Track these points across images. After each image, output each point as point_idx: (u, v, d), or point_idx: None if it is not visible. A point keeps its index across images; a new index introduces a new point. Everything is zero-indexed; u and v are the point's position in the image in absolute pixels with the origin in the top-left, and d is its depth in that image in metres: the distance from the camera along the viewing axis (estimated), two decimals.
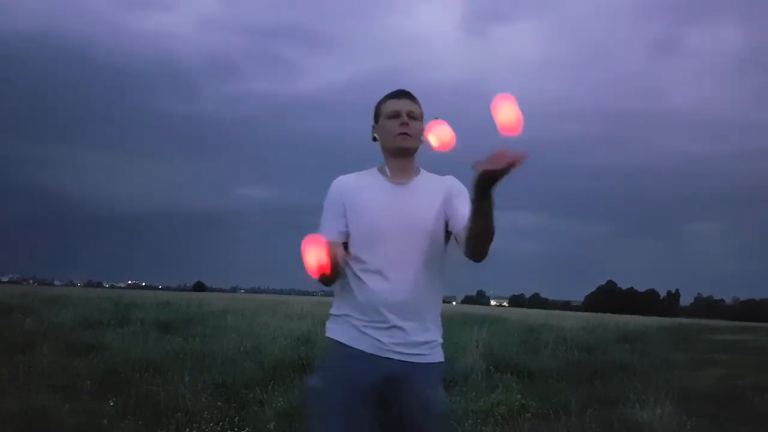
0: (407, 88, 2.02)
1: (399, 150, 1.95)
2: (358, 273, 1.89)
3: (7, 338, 7.32)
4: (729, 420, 5.11)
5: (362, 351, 1.86)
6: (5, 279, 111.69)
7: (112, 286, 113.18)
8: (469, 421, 4.56)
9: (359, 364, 1.85)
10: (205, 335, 9.10)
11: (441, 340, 1.96)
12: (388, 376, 1.84)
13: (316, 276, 1.74)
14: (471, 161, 1.58)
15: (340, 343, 1.90)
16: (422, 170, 2.03)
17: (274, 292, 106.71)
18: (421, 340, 1.88)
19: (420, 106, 2.00)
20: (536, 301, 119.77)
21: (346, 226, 1.92)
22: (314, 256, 1.70)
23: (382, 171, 1.99)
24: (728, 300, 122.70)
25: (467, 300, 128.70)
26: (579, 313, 45.96)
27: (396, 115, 1.95)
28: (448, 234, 1.95)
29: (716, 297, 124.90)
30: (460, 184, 2.00)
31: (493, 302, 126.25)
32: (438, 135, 1.84)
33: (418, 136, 1.96)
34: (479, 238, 1.77)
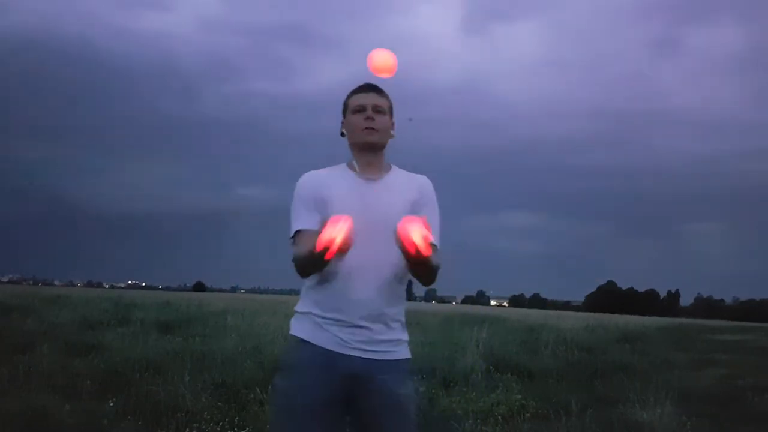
0: (375, 82, 1.97)
1: (364, 145, 1.92)
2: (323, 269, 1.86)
3: (7, 338, 7.31)
4: (729, 420, 5.11)
5: (324, 348, 1.83)
6: (5, 279, 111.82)
7: (112, 287, 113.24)
8: (469, 421, 4.56)
9: (321, 362, 1.83)
10: (205, 335, 9.10)
11: (406, 338, 1.94)
12: (351, 374, 1.82)
13: (320, 248, 1.64)
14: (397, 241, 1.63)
15: (303, 340, 1.88)
16: (394, 167, 1.99)
17: (274, 292, 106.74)
18: (384, 338, 1.86)
19: (388, 100, 1.97)
20: (536, 301, 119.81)
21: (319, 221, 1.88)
22: (331, 231, 1.63)
23: (351, 166, 1.95)
24: (728, 300, 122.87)
25: (467, 300, 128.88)
26: (579, 313, 46.02)
27: (361, 110, 1.91)
28: None
29: (716, 297, 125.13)
30: (431, 189, 1.97)
31: (493, 302, 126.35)
32: (379, 60, 1.78)
33: (385, 131, 1.93)
34: (420, 276, 1.83)
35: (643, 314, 55.61)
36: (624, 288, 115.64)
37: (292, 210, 1.93)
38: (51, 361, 5.77)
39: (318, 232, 1.79)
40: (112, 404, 4.39)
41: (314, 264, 1.79)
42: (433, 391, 5.55)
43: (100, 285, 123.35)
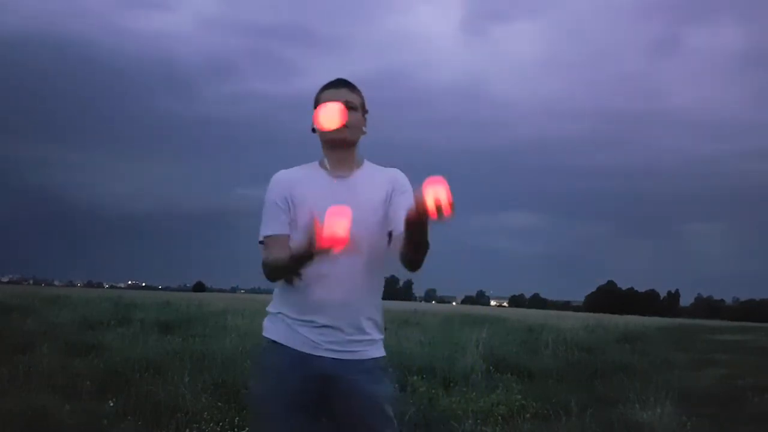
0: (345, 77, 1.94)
1: (335, 141, 1.88)
2: None
3: (7, 338, 7.31)
4: (729, 420, 5.11)
5: (296, 350, 1.82)
6: (5, 279, 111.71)
7: (112, 287, 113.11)
8: (469, 421, 4.56)
9: (294, 365, 1.81)
10: (205, 335, 9.11)
11: (380, 337, 1.91)
12: (323, 376, 1.80)
13: (327, 245, 1.56)
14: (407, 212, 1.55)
15: (275, 341, 1.86)
16: (366, 162, 1.96)
17: None
18: (356, 338, 1.83)
19: (360, 96, 1.92)
20: (536, 302, 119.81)
21: (289, 224, 1.86)
22: (337, 224, 1.55)
23: (322, 164, 1.93)
24: (728, 300, 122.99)
25: (467, 300, 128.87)
26: (579, 314, 46.03)
27: None
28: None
29: (716, 297, 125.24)
30: (405, 179, 1.93)
31: (493, 302, 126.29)
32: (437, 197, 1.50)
33: (357, 127, 1.90)
34: (413, 252, 1.73)
35: (643, 314, 55.62)
36: (624, 288, 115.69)
37: (263, 213, 1.90)
38: (51, 361, 5.77)
39: (288, 236, 1.81)
40: (112, 404, 4.39)
41: (290, 270, 1.78)
42: (433, 391, 5.55)
43: (100, 285, 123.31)
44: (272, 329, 1.88)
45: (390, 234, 1.86)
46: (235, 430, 4.04)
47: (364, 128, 1.93)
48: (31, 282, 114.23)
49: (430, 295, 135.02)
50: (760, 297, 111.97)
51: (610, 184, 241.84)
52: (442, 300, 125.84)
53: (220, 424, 4.09)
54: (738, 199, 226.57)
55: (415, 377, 6.02)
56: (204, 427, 4.02)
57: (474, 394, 5.47)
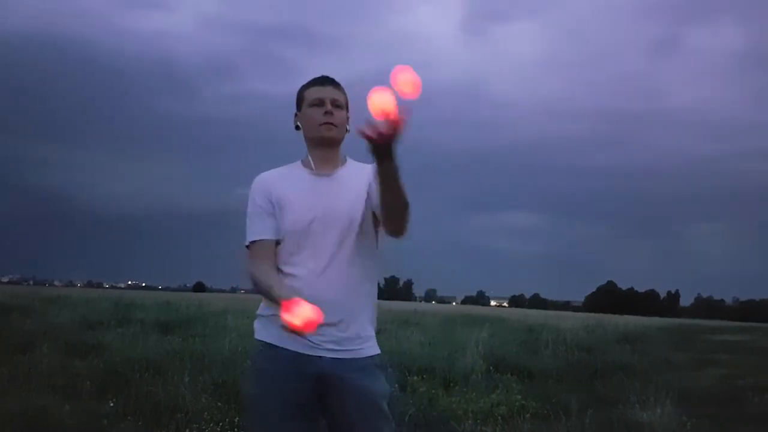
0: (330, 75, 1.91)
1: (322, 140, 1.87)
2: (285, 270, 1.83)
3: (7, 338, 7.32)
4: (729, 420, 5.10)
5: (292, 351, 1.80)
6: (5, 279, 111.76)
7: (112, 287, 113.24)
8: (469, 421, 4.56)
9: (292, 365, 1.80)
10: (205, 335, 9.11)
11: (373, 333, 1.90)
12: (320, 375, 1.79)
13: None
14: (355, 128, 1.49)
15: (269, 344, 1.84)
16: (349, 159, 1.94)
17: None
18: (351, 336, 1.83)
19: (345, 94, 1.90)
20: (536, 302, 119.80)
21: (275, 228, 1.84)
22: (384, 100, 1.45)
23: (305, 163, 1.91)
24: (728, 300, 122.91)
25: (467, 300, 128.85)
26: (579, 314, 46.02)
27: (319, 103, 1.86)
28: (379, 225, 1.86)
29: (716, 297, 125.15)
30: None
31: (493, 302, 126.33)
32: (405, 82, 1.47)
33: (343, 126, 1.89)
34: (393, 209, 1.70)
35: (643, 314, 55.56)
36: (624, 288, 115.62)
37: (247, 217, 1.88)
38: (51, 361, 5.78)
39: (273, 242, 1.81)
40: (112, 404, 4.39)
41: (267, 297, 1.78)
42: (433, 391, 5.55)
43: (100, 285, 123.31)
44: (267, 332, 1.86)
45: (374, 216, 1.85)
46: (235, 430, 4.04)
47: (348, 127, 1.92)
48: (32, 282, 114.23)
49: (430, 295, 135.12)
50: (760, 297, 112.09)
51: (610, 184, 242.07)
52: (442, 300, 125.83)
53: (220, 424, 4.09)
54: (738, 199, 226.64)
55: (415, 377, 6.03)
56: (204, 427, 4.02)
57: (474, 394, 5.47)
